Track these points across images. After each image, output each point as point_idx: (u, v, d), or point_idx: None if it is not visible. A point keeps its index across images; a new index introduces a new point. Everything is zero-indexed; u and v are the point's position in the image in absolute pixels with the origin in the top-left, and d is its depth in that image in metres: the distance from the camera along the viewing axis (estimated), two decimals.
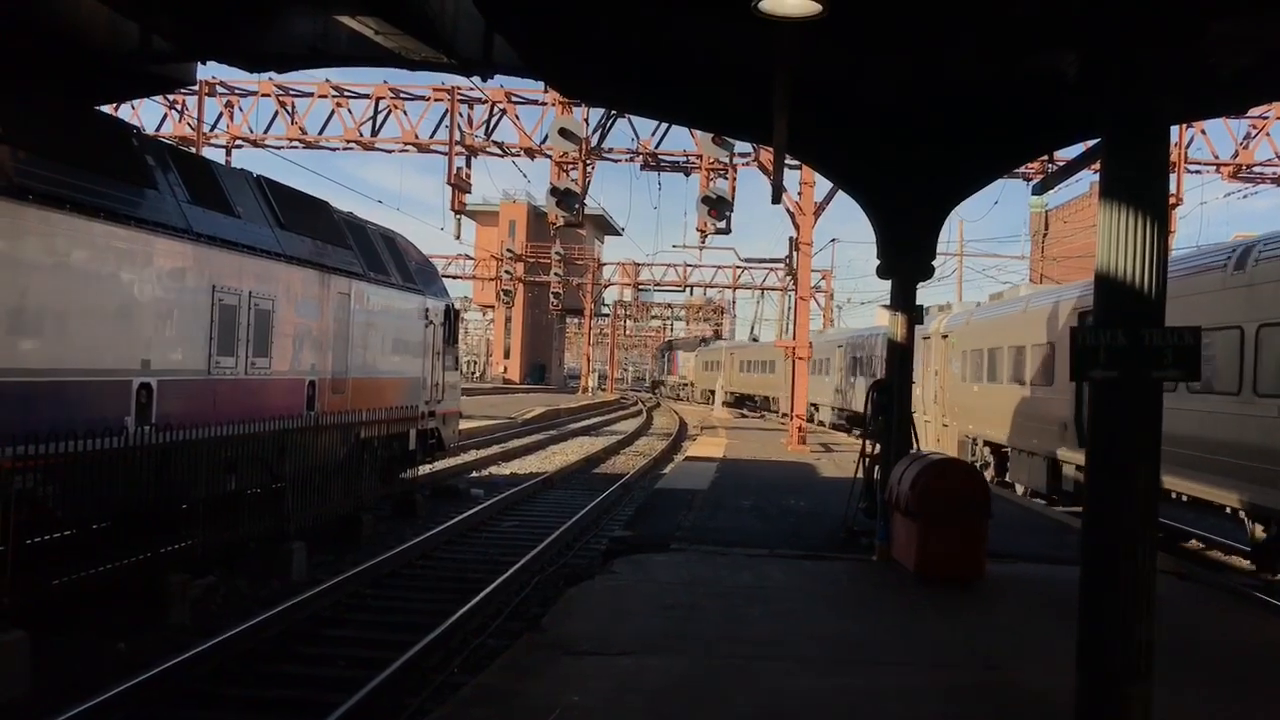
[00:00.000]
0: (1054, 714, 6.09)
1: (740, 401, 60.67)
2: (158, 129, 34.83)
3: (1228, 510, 12.61)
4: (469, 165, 35.58)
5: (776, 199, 13.81)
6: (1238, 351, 11.78)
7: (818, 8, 6.85)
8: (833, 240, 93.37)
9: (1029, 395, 18.73)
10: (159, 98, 32.22)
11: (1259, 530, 12.07)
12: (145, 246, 10.78)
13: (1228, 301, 12.23)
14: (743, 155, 31.51)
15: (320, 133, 35.76)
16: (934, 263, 12.57)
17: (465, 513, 16.16)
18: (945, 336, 25.42)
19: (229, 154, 35.46)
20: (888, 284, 12.54)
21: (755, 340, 70.93)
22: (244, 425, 11.51)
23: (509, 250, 73.81)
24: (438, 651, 8.92)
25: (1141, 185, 4.98)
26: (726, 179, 32.12)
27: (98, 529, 9.46)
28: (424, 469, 19.74)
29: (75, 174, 9.96)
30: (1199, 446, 12.43)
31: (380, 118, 35.42)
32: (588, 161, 33.10)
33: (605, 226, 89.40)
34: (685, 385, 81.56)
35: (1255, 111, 31.45)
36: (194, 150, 29.63)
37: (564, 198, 31.76)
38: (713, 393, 59.65)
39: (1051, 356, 17.47)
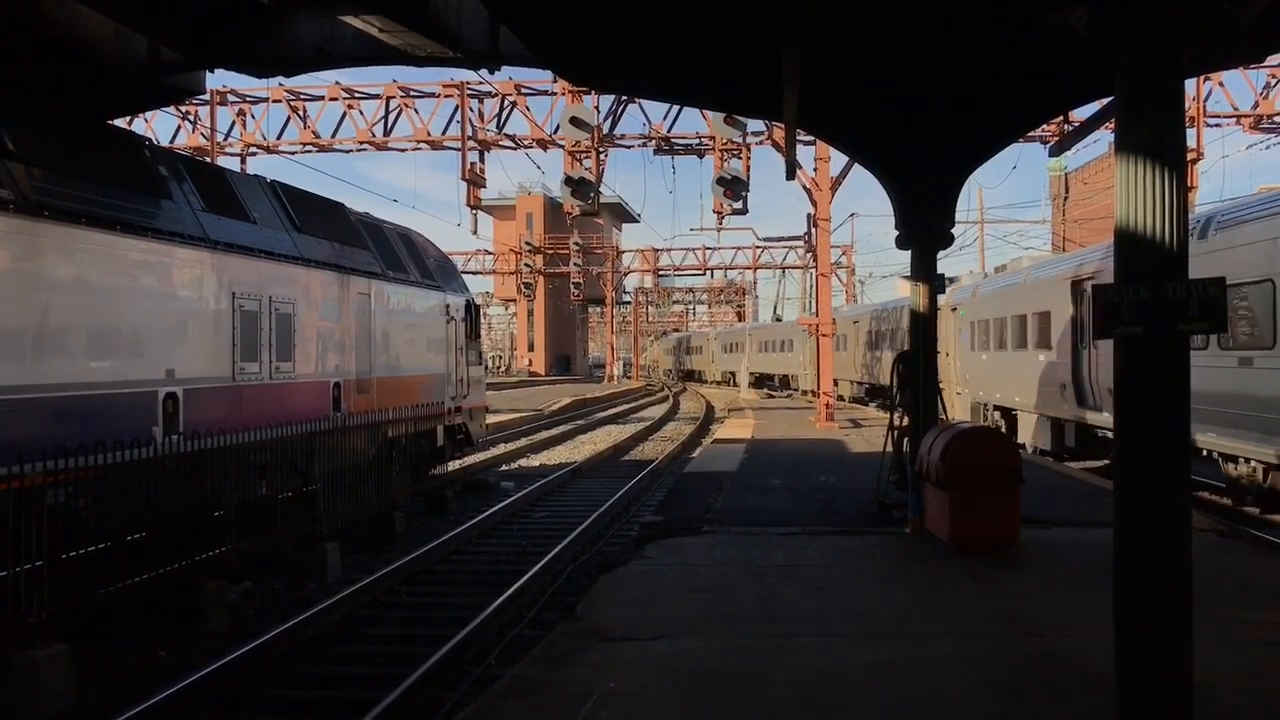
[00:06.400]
0: (1095, 677, 6.04)
1: (688, 376, 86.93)
2: (172, 141, 35.07)
3: None
4: (482, 160, 35.62)
5: (791, 175, 13.70)
6: None
7: None
8: (851, 215, 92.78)
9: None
10: (171, 109, 32.45)
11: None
12: (163, 257, 10.83)
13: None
14: (756, 134, 31.36)
15: (333, 135, 35.86)
16: (953, 230, 12.47)
17: (496, 506, 16.20)
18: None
19: (244, 162, 35.63)
20: (908, 256, 12.45)
21: (779, 319, 71.95)
22: (271, 430, 11.56)
23: (527, 243, 73.88)
24: (474, 645, 8.93)
25: (1158, 137, 4.88)
26: (741, 159, 31.96)
27: (133, 540, 9.53)
28: (453, 464, 19.81)
29: (90, 188, 10.01)
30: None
31: (392, 117, 35.52)
32: (600, 149, 33.04)
33: (622, 214, 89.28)
34: (654, 366, 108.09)
35: (1274, 60, 30.99)
36: (208, 160, 29.77)
37: (579, 187, 31.75)
38: (668, 371, 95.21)
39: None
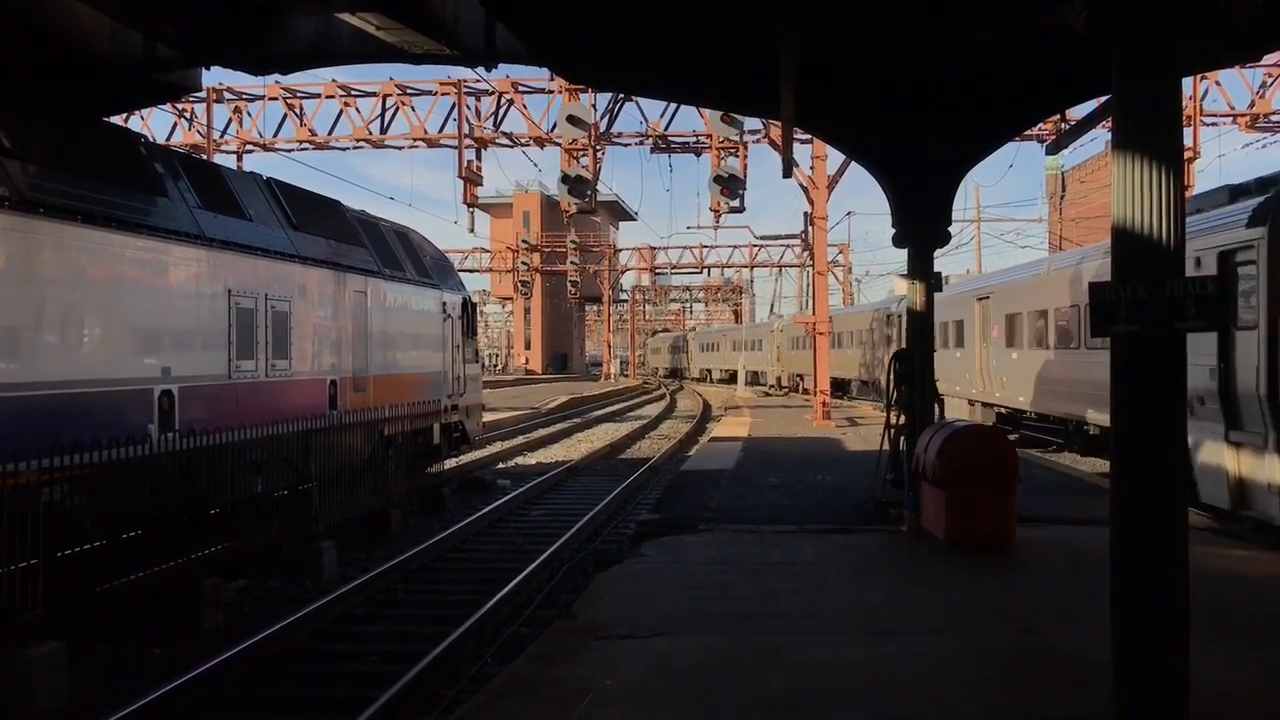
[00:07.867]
0: (1091, 675, 6.04)
1: (674, 373, 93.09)
2: (168, 138, 34.99)
3: None
4: (479, 158, 35.60)
5: (787, 174, 13.70)
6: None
7: None
8: (848, 213, 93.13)
9: None
10: (168, 107, 32.39)
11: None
12: (159, 254, 10.80)
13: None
14: (753, 132, 31.35)
15: (329, 133, 35.84)
16: (950, 229, 12.46)
17: (493, 504, 16.17)
18: None
19: (240, 159, 35.59)
20: (904, 254, 12.44)
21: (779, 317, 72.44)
22: (267, 428, 11.54)
23: (524, 241, 73.80)
24: (470, 643, 8.92)
25: (1155, 136, 4.89)
26: (738, 157, 31.98)
27: (128, 537, 9.51)
28: (450, 462, 19.78)
29: (86, 186, 9.98)
30: None
31: (388, 115, 35.48)
32: (597, 147, 33.02)
33: (619, 212, 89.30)
34: (644, 363, 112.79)
35: (1271, 59, 31.02)
36: (205, 157, 29.72)
37: (576, 185, 31.74)
38: (656, 369, 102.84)
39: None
